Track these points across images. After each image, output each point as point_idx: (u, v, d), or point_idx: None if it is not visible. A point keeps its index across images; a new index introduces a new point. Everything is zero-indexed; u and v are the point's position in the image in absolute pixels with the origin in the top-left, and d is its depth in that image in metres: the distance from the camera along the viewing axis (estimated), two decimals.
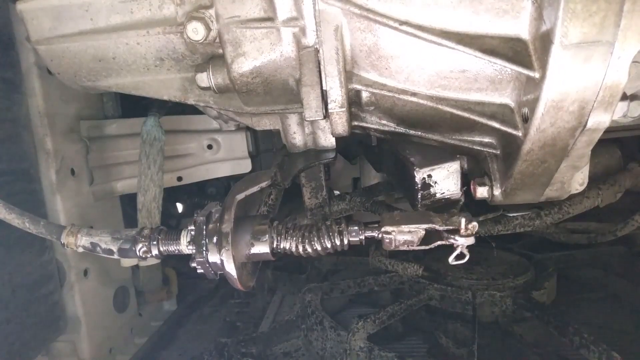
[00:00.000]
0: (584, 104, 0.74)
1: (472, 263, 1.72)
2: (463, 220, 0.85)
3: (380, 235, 0.88)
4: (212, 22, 0.93)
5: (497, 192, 1.01)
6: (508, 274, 1.60)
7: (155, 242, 0.95)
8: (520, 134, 0.83)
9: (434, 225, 0.86)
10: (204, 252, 0.88)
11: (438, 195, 1.05)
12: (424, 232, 0.87)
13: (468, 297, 1.53)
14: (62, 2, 1.02)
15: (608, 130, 0.79)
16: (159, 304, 2.16)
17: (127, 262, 1.59)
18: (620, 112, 0.78)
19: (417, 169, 1.04)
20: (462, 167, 1.18)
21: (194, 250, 0.90)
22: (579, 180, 0.99)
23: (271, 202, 1.38)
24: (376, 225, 0.90)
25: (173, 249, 0.94)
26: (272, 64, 0.95)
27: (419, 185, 1.04)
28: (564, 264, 1.85)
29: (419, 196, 1.04)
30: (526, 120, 0.80)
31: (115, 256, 0.97)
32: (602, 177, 1.51)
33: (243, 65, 0.95)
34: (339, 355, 1.46)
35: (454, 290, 1.56)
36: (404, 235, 0.87)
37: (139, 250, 0.94)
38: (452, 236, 0.86)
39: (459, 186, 1.05)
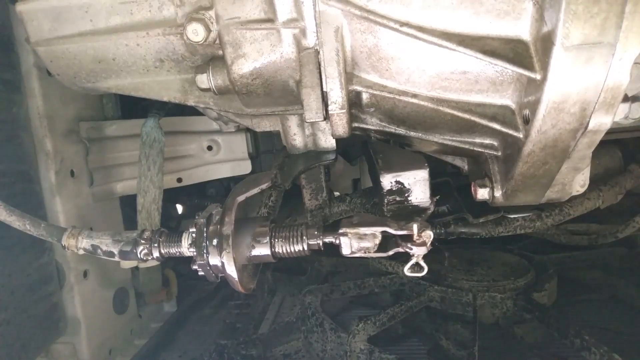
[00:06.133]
0: (585, 106, 0.73)
1: (473, 264, 1.72)
2: (415, 226, 0.84)
3: (337, 240, 0.88)
4: (212, 23, 0.93)
5: (497, 193, 1.01)
6: (509, 276, 1.60)
7: (156, 245, 0.94)
8: (521, 135, 0.83)
9: (387, 229, 0.85)
10: (205, 254, 0.88)
11: (405, 202, 1.04)
12: (380, 238, 0.86)
13: (469, 298, 1.53)
14: (62, 3, 1.02)
15: (609, 132, 0.79)
16: (158, 306, 2.16)
17: (127, 264, 1.59)
18: (621, 114, 0.78)
19: (383, 174, 1.03)
20: (463, 169, 1.18)
21: (195, 253, 0.90)
22: (579, 182, 0.98)
23: (271, 203, 1.37)
24: (336, 230, 0.89)
25: (174, 252, 0.94)
26: (273, 65, 0.94)
27: (385, 190, 1.03)
28: (565, 265, 1.85)
29: (385, 201, 1.04)
30: (527, 121, 0.80)
31: (116, 258, 0.96)
32: (603, 179, 1.51)
33: (243, 67, 0.94)
34: (339, 357, 1.46)
35: (455, 291, 1.55)
36: (361, 241, 0.86)
37: (140, 253, 0.94)
38: (407, 244, 0.85)
39: (428, 194, 1.04)
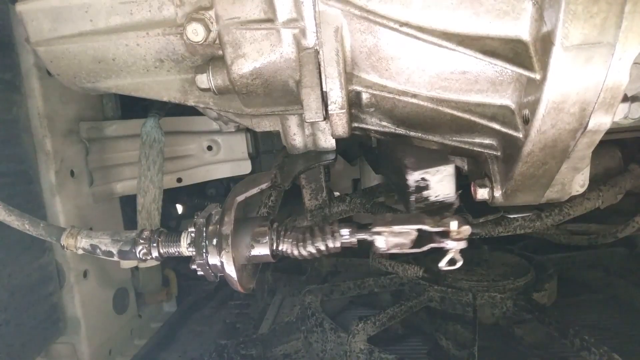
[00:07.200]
0: (585, 106, 0.73)
1: (473, 264, 1.72)
2: (453, 223, 0.84)
3: (372, 237, 0.88)
4: (212, 23, 0.93)
5: (497, 193, 1.00)
6: (508, 276, 1.60)
7: (155, 244, 0.94)
8: (520, 135, 0.83)
9: (424, 227, 0.85)
10: (204, 254, 0.88)
11: (432, 199, 1.03)
12: (416, 234, 0.86)
13: (468, 298, 1.53)
14: (62, 3, 1.02)
15: (609, 132, 0.79)
16: (158, 306, 2.16)
17: (127, 264, 1.59)
18: (621, 114, 0.78)
19: (410, 172, 1.03)
20: (463, 169, 1.18)
21: (194, 253, 0.90)
22: (579, 182, 0.98)
23: (271, 203, 1.37)
24: (368, 227, 0.89)
25: (173, 251, 0.94)
26: (272, 65, 0.94)
27: (412, 188, 1.03)
28: (565, 265, 1.85)
29: (413, 199, 1.03)
30: (527, 121, 0.80)
31: (115, 258, 0.96)
32: (603, 179, 1.51)
33: (243, 67, 0.94)
34: (339, 357, 1.46)
35: (454, 291, 1.55)
36: (396, 237, 0.86)
37: (139, 252, 0.94)
38: (443, 239, 0.85)
39: (454, 189, 1.04)
